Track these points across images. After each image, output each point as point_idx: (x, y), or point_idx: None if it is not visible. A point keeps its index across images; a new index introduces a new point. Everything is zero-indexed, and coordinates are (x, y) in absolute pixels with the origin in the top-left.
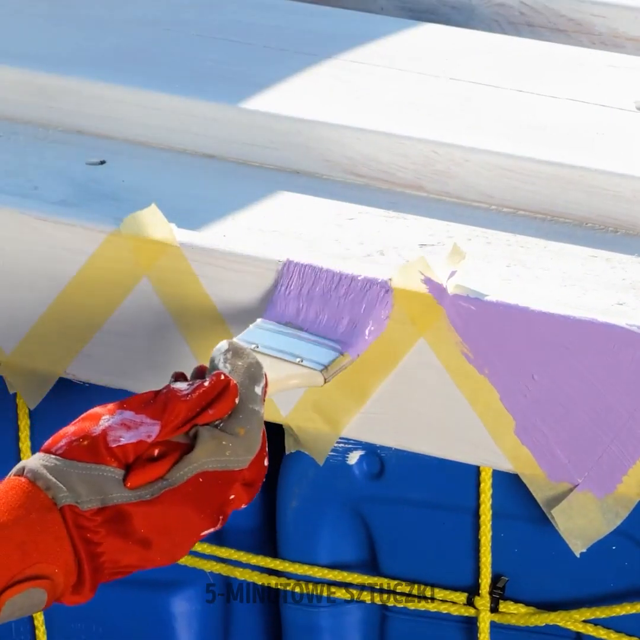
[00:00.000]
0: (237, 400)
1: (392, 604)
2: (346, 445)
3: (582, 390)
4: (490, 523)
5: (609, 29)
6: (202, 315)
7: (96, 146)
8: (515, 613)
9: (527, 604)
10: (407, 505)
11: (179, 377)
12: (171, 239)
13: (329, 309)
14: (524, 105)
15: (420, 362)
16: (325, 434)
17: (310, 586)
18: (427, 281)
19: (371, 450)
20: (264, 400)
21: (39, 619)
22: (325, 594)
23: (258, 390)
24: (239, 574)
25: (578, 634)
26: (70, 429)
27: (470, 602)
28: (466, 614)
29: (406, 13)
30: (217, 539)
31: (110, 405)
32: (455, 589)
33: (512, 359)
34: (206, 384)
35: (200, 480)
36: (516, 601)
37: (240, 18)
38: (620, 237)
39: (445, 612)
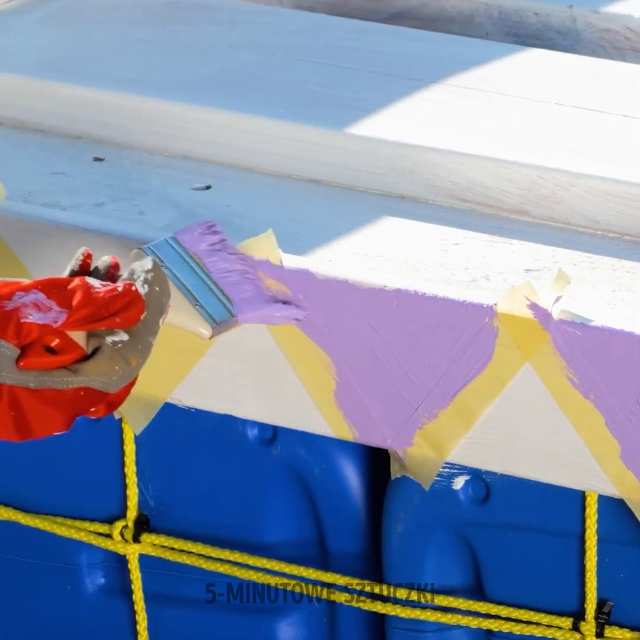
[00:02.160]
0: (143, 317)
1: (497, 629)
2: (451, 470)
3: None
4: (596, 548)
5: None
6: (304, 340)
7: (202, 171)
8: (620, 638)
9: (633, 629)
10: (513, 530)
11: (88, 257)
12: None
13: (234, 277)
14: (629, 130)
15: (526, 387)
16: (431, 459)
17: (416, 611)
18: (533, 306)
19: (476, 475)
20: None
21: (143, 635)
22: (430, 619)
23: (160, 322)
24: (345, 599)
25: None
26: None
27: (575, 627)
28: None
29: (511, 38)
30: (322, 563)
31: (26, 283)
32: (560, 614)
33: (617, 384)
34: (119, 289)
35: (82, 393)
36: (621, 626)
37: (345, 43)
38: None
39: (550, 637)
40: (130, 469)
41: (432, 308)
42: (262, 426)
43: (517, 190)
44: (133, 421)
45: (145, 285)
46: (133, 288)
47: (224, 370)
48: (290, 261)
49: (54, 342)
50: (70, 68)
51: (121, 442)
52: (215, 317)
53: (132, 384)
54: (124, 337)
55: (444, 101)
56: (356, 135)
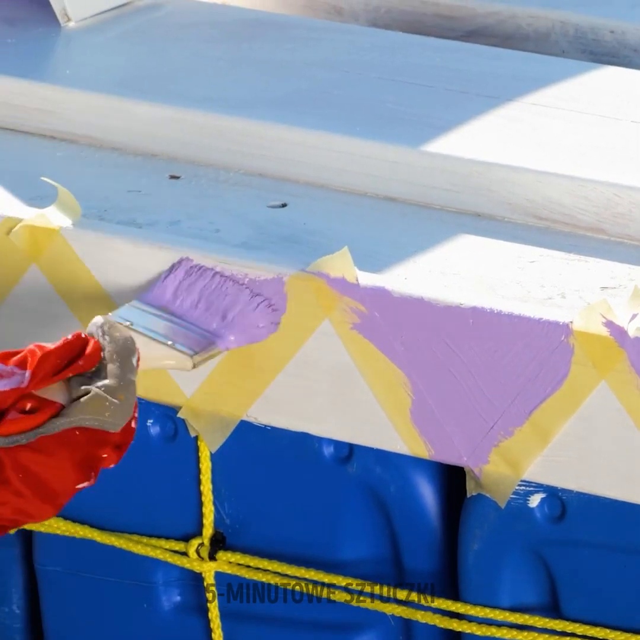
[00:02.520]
0: (112, 357)
1: None
2: (527, 488)
3: None
4: None
5: None
6: (379, 358)
7: (277, 189)
8: None
9: None
10: (588, 548)
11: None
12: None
13: (206, 304)
14: None
15: (601, 405)
16: (507, 477)
17: (492, 629)
18: (608, 324)
19: (552, 493)
20: (137, 373)
21: None
22: (506, 637)
23: (134, 361)
24: (420, 616)
25: None
26: None
27: None
28: None
29: (587, 56)
30: (397, 581)
31: None
32: (636, 632)
33: None
34: (69, 337)
35: (77, 433)
36: None
37: (421, 61)
38: None
39: None
40: (206, 487)
41: (508, 326)
42: (337, 444)
43: (593, 208)
44: (209, 439)
45: (101, 333)
46: (82, 335)
47: (300, 388)
48: (366, 279)
49: (28, 406)
50: (146, 86)
51: (197, 460)
52: (193, 348)
53: (131, 426)
54: (106, 381)
55: (519, 119)
56: (432, 153)
